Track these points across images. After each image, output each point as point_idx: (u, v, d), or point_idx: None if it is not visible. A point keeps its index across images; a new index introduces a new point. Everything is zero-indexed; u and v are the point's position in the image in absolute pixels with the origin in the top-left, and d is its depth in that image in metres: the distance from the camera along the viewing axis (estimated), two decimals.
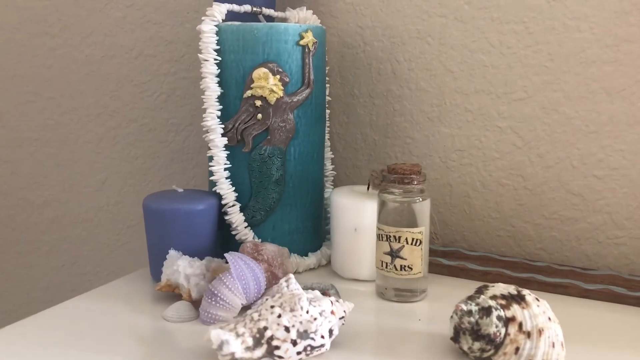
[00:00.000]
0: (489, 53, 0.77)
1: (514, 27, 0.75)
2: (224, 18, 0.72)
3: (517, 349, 0.50)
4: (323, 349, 0.53)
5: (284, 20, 0.79)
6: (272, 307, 0.52)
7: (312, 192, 0.77)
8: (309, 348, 0.51)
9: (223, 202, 0.72)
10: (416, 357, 0.54)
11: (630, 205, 0.73)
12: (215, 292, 0.60)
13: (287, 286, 0.55)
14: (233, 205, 0.72)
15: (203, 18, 0.71)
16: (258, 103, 0.71)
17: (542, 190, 0.77)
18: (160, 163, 1.01)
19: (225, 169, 0.72)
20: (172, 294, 0.67)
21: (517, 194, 0.78)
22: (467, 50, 0.78)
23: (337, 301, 0.55)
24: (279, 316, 0.51)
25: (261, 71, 0.70)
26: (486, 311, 0.51)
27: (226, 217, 0.72)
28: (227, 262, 0.68)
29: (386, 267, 0.66)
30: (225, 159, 0.72)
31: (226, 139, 0.72)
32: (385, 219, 0.66)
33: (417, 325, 0.61)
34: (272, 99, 0.71)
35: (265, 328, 0.51)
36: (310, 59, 0.73)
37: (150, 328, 0.60)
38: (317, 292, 0.55)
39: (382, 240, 0.66)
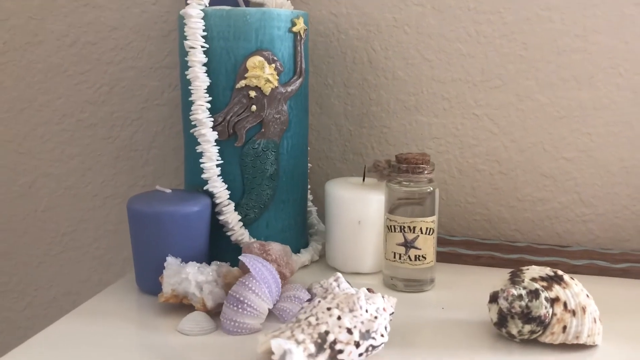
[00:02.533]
0: (466, 42, 0.78)
1: (489, 17, 0.77)
2: (208, 2, 0.67)
3: (565, 327, 0.52)
4: (380, 348, 0.51)
5: (261, 5, 0.75)
6: (328, 309, 0.49)
7: (301, 186, 0.74)
8: (370, 348, 0.49)
9: (217, 201, 0.67)
10: (460, 346, 0.54)
11: (596, 185, 0.78)
12: (241, 298, 0.56)
13: (338, 286, 0.52)
14: (228, 204, 0.67)
15: (189, 1, 0.65)
16: (252, 94, 0.66)
17: (516, 174, 0.80)
18: (102, 162, 0.91)
19: (217, 166, 0.67)
20: (177, 305, 0.61)
21: (493, 178, 0.81)
22: (445, 39, 0.79)
23: (383, 297, 0.54)
24: (339, 318, 0.49)
25: (256, 59, 0.66)
26: (535, 294, 0.53)
27: (220, 217, 0.67)
28: (233, 266, 0.64)
29: (400, 258, 0.65)
30: (217, 154, 0.67)
31: (216, 133, 0.67)
32: (397, 209, 0.65)
33: (441, 314, 0.61)
34: (267, 90, 0.67)
35: (327, 332, 0.48)
36: (302, 47, 0.69)
37: (171, 345, 0.54)
38: (365, 290, 0.53)
39: (395, 231, 0.65)
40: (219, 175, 0.67)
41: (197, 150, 0.67)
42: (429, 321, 0.59)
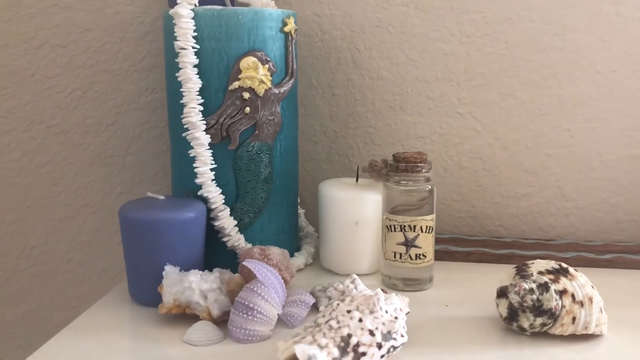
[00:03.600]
0: (449, 42, 0.79)
1: (472, 16, 0.78)
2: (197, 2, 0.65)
3: (574, 318, 0.53)
4: (399, 348, 0.50)
5: (247, 5, 0.73)
6: (348, 311, 0.49)
7: (293, 189, 0.73)
8: (391, 349, 0.49)
9: (212, 206, 0.65)
10: (471, 341, 0.54)
11: (576, 179, 0.81)
12: (251, 305, 0.54)
13: (355, 287, 0.51)
14: (224, 209, 0.65)
15: (179, 1, 0.63)
16: (246, 95, 0.65)
17: (499, 170, 0.82)
18: (75, 170, 0.87)
19: (211, 170, 0.65)
20: (178, 315, 0.58)
21: (477, 175, 0.82)
22: (428, 39, 0.79)
23: (397, 296, 0.53)
24: (360, 320, 0.48)
25: (250, 60, 0.64)
26: (545, 287, 0.54)
27: (216, 223, 0.65)
28: (234, 272, 0.62)
29: (400, 258, 0.65)
30: (211, 158, 0.65)
31: (209, 136, 0.65)
32: (396, 209, 0.65)
33: (446, 311, 0.61)
34: (260, 91, 0.65)
35: (350, 335, 0.47)
36: (293, 47, 0.68)
37: (180, 357, 0.52)
38: (380, 290, 0.52)
39: (395, 231, 0.65)
40: (212, 180, 0.65)
41: (190, 155, 0.64)
42: (435, 319, 0.59)
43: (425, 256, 0.65)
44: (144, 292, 0.61)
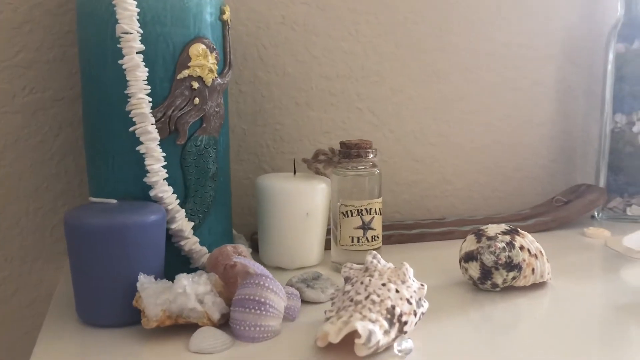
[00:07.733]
0: (348, 41, 0.84)
1: (367, 17, 0.84)
2: None
3: (533, 269, 0.61)
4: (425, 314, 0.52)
5: None
6: (383, 284, 0.49)
7: (229, 186, 0.69)
8: (421, 315, 0.51)
9: (168, 207, 0.59)
10: (451, 306, 0.59)
11: (454, 164, 0.92)
12: (262, 299, 0.51)
13: (379, 262, 0.52)
14: (179, 210, 0.59)
15: None
16: (195, 85, 0.60)
17: (394, 161, 0.89)
18: None
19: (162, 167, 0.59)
20: (158, 329, 0.51)
21: None
22: (329, 37, 0.83)
23: None
24: (397, 291, 0.49)
25: (199, 47, 0.60)
26: (511, 244, 0.61)
27: (172, 226, 0.59)
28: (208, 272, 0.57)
29: (358, 242, 0.66)
30: (163, 154, 0.59)
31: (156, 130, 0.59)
32: (350, 194, 0.66)
33: None
34: (209, 80, 0.61)
35: (394, 306, 0.48)
36: (230, 37, 0.66)
37: None
38: (391, 264, 0.53)
39: (352, 216, 0.66)
40: (164, 179, 0.59)
41: (140, 151, 0.57)
42: None
43: (378, 237, 0.68)
44: (108, 311, 0.53)
